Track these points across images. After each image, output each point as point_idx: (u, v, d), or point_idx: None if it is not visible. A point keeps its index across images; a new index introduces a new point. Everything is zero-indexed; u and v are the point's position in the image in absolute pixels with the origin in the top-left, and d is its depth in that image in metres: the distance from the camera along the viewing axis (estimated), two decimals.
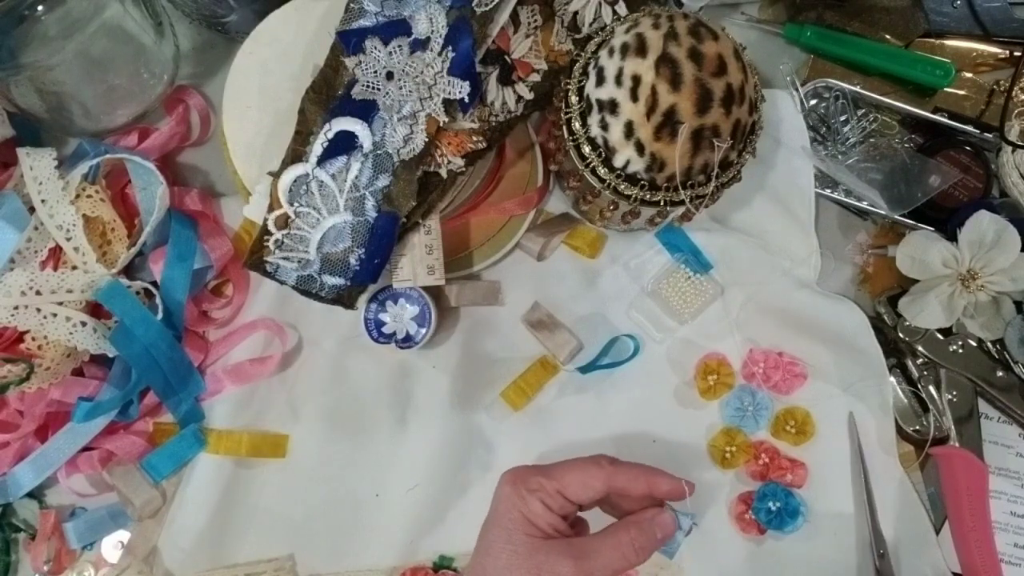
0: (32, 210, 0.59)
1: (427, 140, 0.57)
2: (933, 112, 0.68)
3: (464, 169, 0.60)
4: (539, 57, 0.62)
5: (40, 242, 0.59)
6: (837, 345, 0.65)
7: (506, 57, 0.61)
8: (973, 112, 0.69)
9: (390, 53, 0.58)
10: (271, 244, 0.59)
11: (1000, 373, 0.64)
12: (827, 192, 0.69)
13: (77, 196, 0.60)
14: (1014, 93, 0.67)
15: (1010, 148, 0.66)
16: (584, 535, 0.53)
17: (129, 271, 0.62)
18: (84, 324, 0.58)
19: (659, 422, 0.66)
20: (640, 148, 0.55)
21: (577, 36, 0.62)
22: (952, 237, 0.64)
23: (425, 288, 0.62)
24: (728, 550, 0.64)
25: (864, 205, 0.68)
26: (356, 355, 0.66)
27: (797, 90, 0.69)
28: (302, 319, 0.66)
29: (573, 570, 0.48)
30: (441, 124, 0.58)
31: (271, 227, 0.59)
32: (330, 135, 0.58)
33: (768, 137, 0.67)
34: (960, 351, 0.65)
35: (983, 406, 0.65)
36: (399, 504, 0.64)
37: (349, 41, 0.58)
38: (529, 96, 0.61)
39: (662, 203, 0.57)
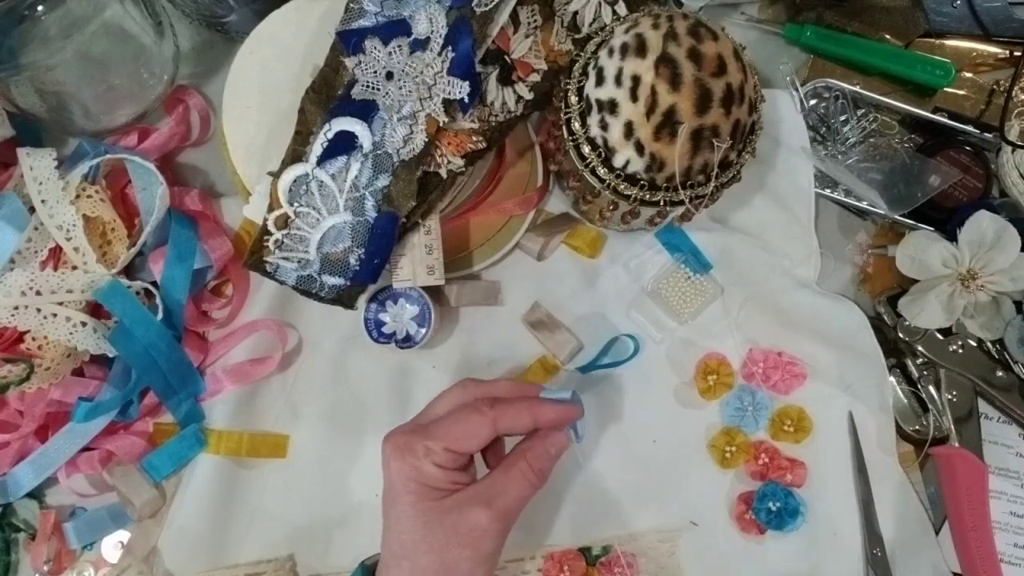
0: (32, 210, 0.59)
1: (427, 140, 0.57)
2: (933, 112, 0.68)
3: (464, 169, 0.60)
4: (539, 57, 0.62)
5: (40, 242, 0.59)
6: (837, 345, 0.66)
7: (506, 57, 0.61)
8: (973, 112, 0.69)
9: (390, 53, 0.58)
10: (271, 244, 0.59)
11: (1000, 373, 0.64)
12: (827, 192, 0.69)
13: (77, 196, 0.60)
14: (1014, 93, 0.67)
15: (1010, 148, 0.66)
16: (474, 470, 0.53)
17: (129, 271, 0.62)
18: (84, 324, 0.58)
19: (659, 422, 0.66)
20: (640, 148, 0.55)
21: (577, 36, 0.62)
22: (952, 237, 0.64)
23: (425, 288, 0.62)
24: (728, 550, 0.64)
25: (864, 205, 0.68)
26: (356, 355, 0.66)
27: (797, 90, 0.69)
28: (302, 319, 0.66)
29: (488, 516, 0.49)
30: (441, 124, 0.58)
31: (271, 227, 0.59)
32: (330, 135, 0.58)
33: (768, 137, 0.67)
34: (960, 351, 0.65)
35: (983, 406, 0.65)
36: None
37: (349, 41, 0.58)
38: (529, 96, 0.61)
39: (662, 203, 0.57)
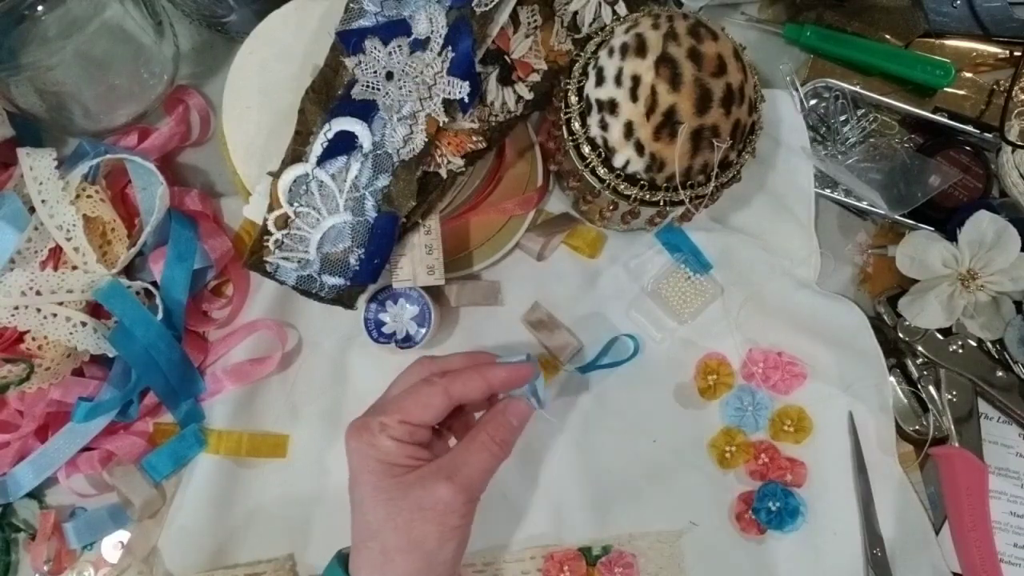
0: (32, 210, 0.59)
1: (427, 140, 0.57)
2: (933, 112, 0.68)
3: (464, 169, 0.60)
4: (539, 57, 0.62)
5: (40, 242, 0.59)
6: (837, 345, 0.65)
7: (506, 57, 0.61)
8: (973, 112, 0.69)
9: (390, 53, 0.58)
10: (271, 244, 0.59)
11: (1000, 373, 0.64)
12: (827, 192, 0.69)
13: (77, 196, 0.60)
14: (1014, 93, 0.67)
15: (1010, 148, 0.66)
16: (446, 449, 0.53)
17: (129, 271, 0.62)
18: (84, 324, 0.58)
19: (659, 422, 0.66)
20: (640, 148, 0.55)
21: (577, 36, 0.62)
22: (952, 237, 0.64)
23: (425, 288, 0.62)
24: (728, 550, 0.64)
25: (864, 205, 0.68)
26: (356, 355, 0.66)
27: (797, 90, 0.69)
28: (302, 319, 0.66)
29: (451, 489, 0.48)
30: (441, 124, 0.57)
31: (271, 227, 0.59)
32: (330, 135, 0.58)
33: (768, 137, 0.67)
34: (960, 351, 0.65)
35: (983, 406, 0.65)
36: None
37: (349, 41, 0.58)
38: (529, 96, 0.61)
39: (662, 203, 0.57)
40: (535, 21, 0.61)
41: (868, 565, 0.63)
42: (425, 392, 0.50)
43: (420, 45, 0.57)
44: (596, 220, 0.66)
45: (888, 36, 0.69)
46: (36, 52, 0.59)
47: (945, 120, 0.68)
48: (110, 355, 0.60)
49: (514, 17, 0.60)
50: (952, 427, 0.64)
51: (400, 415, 0.50)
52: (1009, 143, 0.66)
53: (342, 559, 0.52)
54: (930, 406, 0.65)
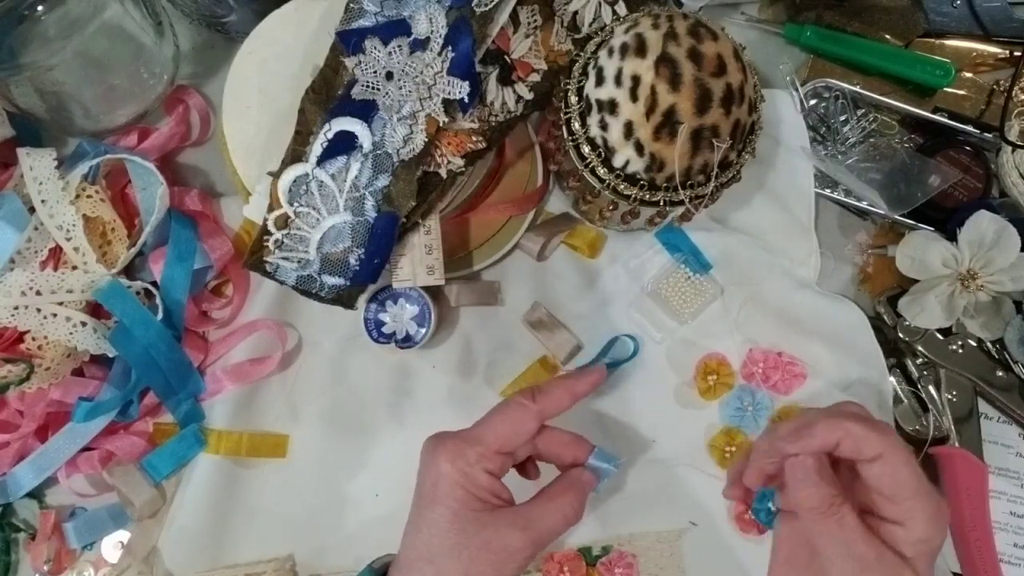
0: (32, 210, 0.59)
1: (427, 140, 0.57)
2: (933, 112, 0.68)
3: (464, 169, 0.60)
4: (539, 57, 0.62)
5: (40, 242, 0.59)
6: (837, 345, 0.65)
7: (506, 57, 0.61)
8: (973, 112, 0.69)
9: (390, 53, 0.58)
10: (271, 244, 0.59)
11: (1000, 373, 0.64)
12: (827, 192, 0.69)
13: (77, 196, 0.60)
14: (1014, 93, 0.67)
15: (1010, 148, 0.66)
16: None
17: (129, 271, 0.62)
18: (84, 324, 0.58)
19: (659, 422, 0.66)
20: (639, 148, 0.55)
21: (577, 36, 0.62)
22: (952, 237, 0.64)
23: (425, 288, 0.62)
24: (728, 550, 0.64)
25: (864, 205, 0.68)
26: (356, 355, 0.66)
27: (797, 90, 0.69)
28: (302, 319, 0.66)
29: (522, 541, 0.49)
30: (441, 124, 0.57)
31: (271, 227, 0.59)
32: (330, 135, 0.58)
33: (768, 137, 0.67)
34: (960, 351, 0.65)
35: (983, 406, 0.65)
36: (399, 504, 0.63)
37: (349, 41, 0.58)
38: (529, 96, 0.61)
39: (661, 203, 0.57)
40: (535, 21, 0.61)
41: None
42: (518, 418, 0.52)
43: (420, 45, 0.57)
44: (596, 220, 0.66)
45: (888, 36, 0.69)
46: (36, 52, 0.59)
47: (945, 120, 0.68)
48: (110, 355, 0.60)
49: (514, 17, 0.60)
50: (952, 427, 0.64)
51: (496, 444, 0.50)
52: (1009, 143, 0.66)
53: (374, 573, 0.52)
54: (930, 406, 0.65)
